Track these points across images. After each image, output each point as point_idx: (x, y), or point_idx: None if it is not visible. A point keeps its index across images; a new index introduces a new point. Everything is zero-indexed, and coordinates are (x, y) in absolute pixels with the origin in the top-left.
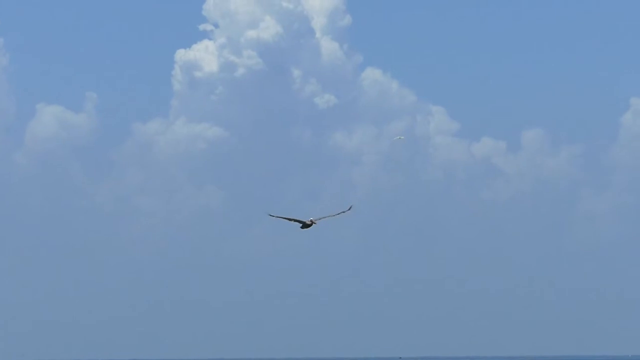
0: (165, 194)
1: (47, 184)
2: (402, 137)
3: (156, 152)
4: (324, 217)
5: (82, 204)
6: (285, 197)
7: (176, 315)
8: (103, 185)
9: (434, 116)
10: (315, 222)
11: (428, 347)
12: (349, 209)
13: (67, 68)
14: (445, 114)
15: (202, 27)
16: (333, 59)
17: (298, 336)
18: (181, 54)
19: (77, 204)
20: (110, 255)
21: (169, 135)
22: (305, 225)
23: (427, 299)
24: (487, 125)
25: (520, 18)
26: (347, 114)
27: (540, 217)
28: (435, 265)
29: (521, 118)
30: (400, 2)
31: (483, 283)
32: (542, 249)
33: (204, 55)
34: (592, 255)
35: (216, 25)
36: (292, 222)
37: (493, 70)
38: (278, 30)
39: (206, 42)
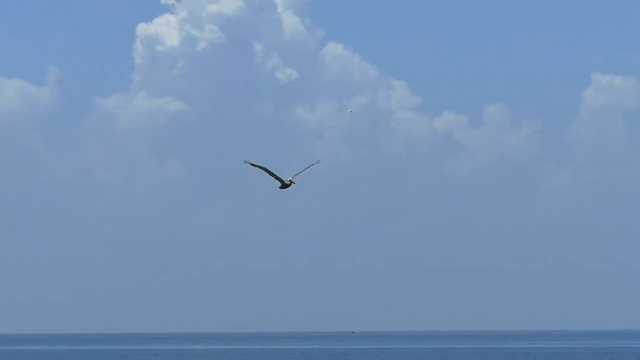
0: (127, 167)
1: (8, 157)
2: (353, 110)
3: (117, 126)
4: (298, 174)
5: (44, 178)
6: (247, 171)
7: (138, 289)
8: (65, 158)
9: (396, 91)
10: (294, 181)
11: (385, 322)
12: (318, 162)
13: (28, 42)
14: (407, 88)
15: (163, 1)
16: (295, 33)
17: (256, 310)
18: (142, 28)
19: (39, 177)
20: (72, 228)
21: (130, 109)
22: (284, 185)
23: (388, 274)
24: (448, 100)
25: None
26: (309, 88)
27: (501, 191)
28: (397, 240)
29: (482, 93)
30: None
31: (444, 258)
32: (504, 223)
33: (166, 29)
34: (553, 228)
35: (178, 0)
36: (272, 177)
37: (455, 45)
38: (239, 5)
39: (167, 16)
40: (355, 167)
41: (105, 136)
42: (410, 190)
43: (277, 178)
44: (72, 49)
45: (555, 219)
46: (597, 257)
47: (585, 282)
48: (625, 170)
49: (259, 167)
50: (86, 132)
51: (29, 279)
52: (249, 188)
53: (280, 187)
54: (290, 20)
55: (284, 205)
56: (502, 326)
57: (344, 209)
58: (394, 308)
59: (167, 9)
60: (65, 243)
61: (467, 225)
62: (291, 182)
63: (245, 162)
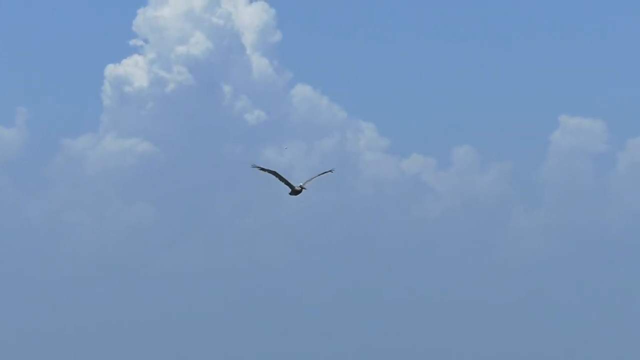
0: (96, 209)
1: None
2: (287, 147)
3: (86, 168)
4: (310, 180)
5: (11, 219)
6: (215, 213)
7: (107, 332)
8: (33, 200)
9: (364, 132)
10: (305, 187)
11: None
12: (331, 171)
13: None
14: (376, 130)
15: (132, 42)
16: (263, 75)
17: (230, 353)
18: (111, 69)
19: (6, 219)
20: (39, 271)
21: (98, 150)
22: (294, 192)
23: (355, 315)
24: (416, 142)
25: (449, 36)
26: (277, 130)
27: (469, 233)
28: (366, 282)
29: (451, 135)
30: (330, 20)
31: (411, 300)
32: (472, 266)
33: (134, 71)
34: (521, 272)
35: (146, 41)
36: (282, 182)
37: (422, 87)
38: (208, 46)
39: (136, 57)
40: (323, 208)
41: (74, 177)
42: (378, 232)
43: (287, 183)
44: (41, 90)
45: (523, 260)
46: (565, 297)
47: (551, 322)
48: (593, 211)
49: (268, 171)
50: (55, 173)
51: None
52: (218, 229)
53: (290, 194)
54: (258, 62)
55: (253, 247)
56: None
57: (313, 251)
58: (359, 344)
59: (136, 50)
60: (33, 285)
61: (436, 266)
62: (302, 188)
63: (254, 166)
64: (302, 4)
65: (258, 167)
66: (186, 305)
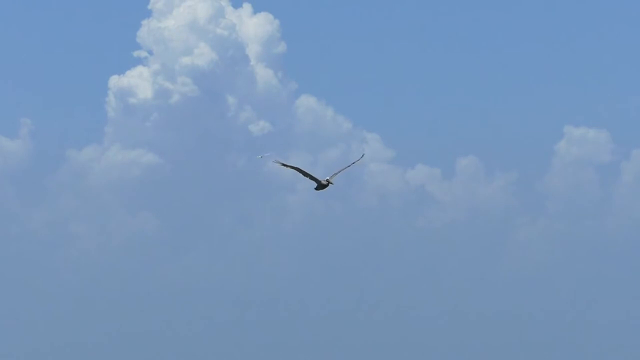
0: (100, 220)
1: None
2: (262, 156)
3: (91, 179)
4: (337, 173)
5: (16, 230)
6: (220, 224)
7: (110, 342)
8: (37, 211)
9: (369, 143)
10: (332, 181)
11: None
12: (362, 157)
13: (1, 94)
14: (380, 141)
15: (136, 53)
16: (268, 86)
17: None
18: (115, 80)
19: (11, 230)
20: (43, 281)
21: (103, 161)
22: (320, 186)
23: (361, 327)
24: (421, 153)
25: (453, 47)
26: (282, 141)
27: (474, 244)
28: (370, 293)
29: (455, 145)
30: (334, 30)
31: (418, 311)
32: (477, 276)
33: (138, 82)
34: (525, 282)
35: (150, 52)
36: (307, 177)
37: (427, 97)
38: (213, 57)
39: (140, 69)
40: (328, 219)
41: (78, 189)
42: (384, 243)
43: (312, 178)
44: (45, 101)
45: (527, 270)
46: (569, 308)
47: (557, 332)
48: (598, 222)
49: (291, 167)
50: (59, 184)
51: (2, 334)
52: (222, 240)
53: (316, 188)
54: (263, 73)
55: (257, 257)
56: None
57: (317, 262)
58: (364, 356)
59: (140, 61)
60: (37, 294)
61: (441, 277)
62: (329, 182)
63: (275, 161)
64: (307, 14)
65: (279, 163)
66: (190, 316)
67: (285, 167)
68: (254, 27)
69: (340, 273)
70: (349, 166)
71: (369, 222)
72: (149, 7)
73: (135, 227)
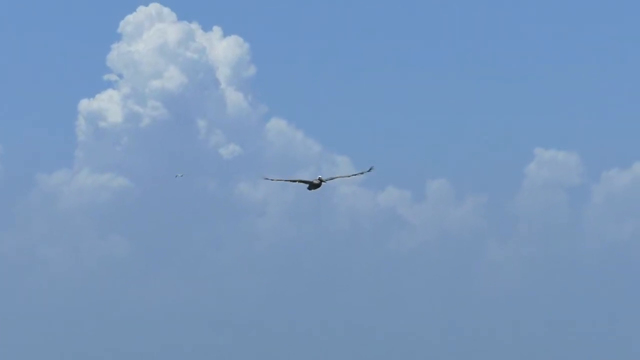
0: (70, 244)
1: None
2: (181, 175)
3: (61, 203)
4: (336, 177)
5: None
6: (190, 246)
7: None
8: (7, 235)
9: (339, 166)
10: (325, 180)
11: None
12: (369, 170)
13: None
14: (351, 164)
15: (106, 77)
16: (238, 109)
17: None
18: (85, 104)
19: None
20: (15, 305)
21: (73, 185)
22: (312, 186)
23: (333, 349)
24: (392, 176)
25: (423, 71)
26: (252, 164)
27: (445, 265)
28: (342, 316)
29: (426, 168)
30: (304, 54)
31: (389, 332)
32: (447, 298)
33: (109, 105)
34: (496, 302)
35: (120, 76)
36: (296, 183)
37: (397, 120)
38: (183, 81)
39: (110, 92)
40: (299, 242)
41: (48, 212)
42: (355, 265)
43: (303, 182)
44: (15, 125)
45: (498, 291)
46: (540, 328)
47: (526, 352)
48: (568, 243)
49: (279, 180)
50: (29, 208)
51: None
52: (192, 263)
53: (309, 188)
54: (233, 97)
55: (227, 280)
56: None
57: (288, 285)
58: None
59: (110, 85)
60: (8, 317)
61: (412, 298)
62: (321, 180)
63: (265, 178)
64: (276, 38)
65: (269, 179)
66: (161, 337)
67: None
68: (224, 50)
69: (311, 295)
70: (350, 176)
71: (340, 245)
72: (119, 30)
73: (106, 251)
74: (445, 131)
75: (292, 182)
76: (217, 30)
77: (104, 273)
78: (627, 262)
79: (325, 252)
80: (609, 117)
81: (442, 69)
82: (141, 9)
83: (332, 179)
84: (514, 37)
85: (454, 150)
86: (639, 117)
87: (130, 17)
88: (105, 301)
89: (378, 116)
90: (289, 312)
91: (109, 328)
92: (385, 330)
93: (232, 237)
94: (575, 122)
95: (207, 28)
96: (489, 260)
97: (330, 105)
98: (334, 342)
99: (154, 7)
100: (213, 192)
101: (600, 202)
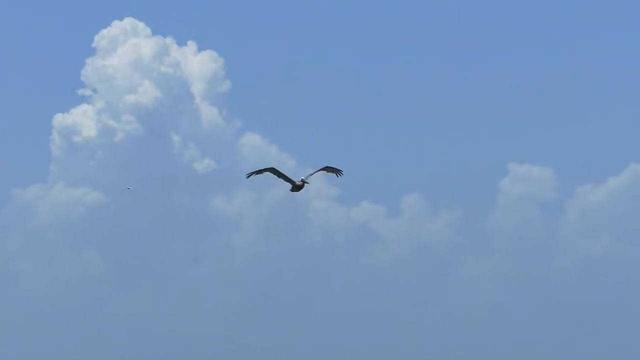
0: (45, 259)
1: None
2: (131, 188)
3: (35, 217)
4: (313, 174)
5: None
6: (165, 262)
7: None
8: None
9: (313, 180)
10: (307, 181)
11: None
12: (341, 174)
13: None
14: (325, 178)
15: (80, 91)
16: (212, 124)
17: None
18: (59, 119)
19: None
20: None
21: (47, 200)
22: (295, 187)
23: None
24: (365, 190)
25: (397, 86)
26: (227, 179)
27: (419, 281)
28: (316, 331)
29: (400, 183)
30: (278, 69)
31: (362, 348)
32: (422, 313)
33: (83, 120)
34: (471, 319)
35: (95, 90)
36: (282, 179)
37: (371, 135)
38: (157, 95)
39: (85, 107)
40: (273, 257)
41: (23, 227)
42: (329, 280)
43: (287, 179)
44: None
45: (472, 308)
46: (514, 345)
47: None
48: (542, 259)
49: (265, 171)
50: (3, 223)
51: None
52: (167, 279)
53: (292, 190)
54: (207, 111)
55: (203, 295)
56: None
57: (263, 299)
58: None
59: (84, 99)
60: None
61: (386, 314)
62: (304, 182)
63: (249, 175)
64: (251, 53)
65: (254, 173)
66: (136, 354)
67: (260, 174)
68: (199, 65)
69: (286, 311)
70: (328, 170)
71: (313, 260)
72: (94, 45)
73: (81, 266)
74: (419, 146)
75: (277, 175)
76: (191, 44)
77: (79, 288)
78: (602, 277)
79: (299, 267)
80: (584, 132)
81: (415, 84)
82: (116, 23)
83: (310, 176)
84: (487, 52)
85: (428, 165)
86: (613, 133)
87: (104, 32)
88: (80, 316)
89: (353, 131)
90: (264, 327)
91: (83, 343)
92: (359, 346)
93: (207, 251)
94: (550, 137)
95: (181, 42)
96: (463, 276)
97: (304, 120)
98: (310, 356)
99: (128, 22)
100: (188, 206)
101: (574, 217)
